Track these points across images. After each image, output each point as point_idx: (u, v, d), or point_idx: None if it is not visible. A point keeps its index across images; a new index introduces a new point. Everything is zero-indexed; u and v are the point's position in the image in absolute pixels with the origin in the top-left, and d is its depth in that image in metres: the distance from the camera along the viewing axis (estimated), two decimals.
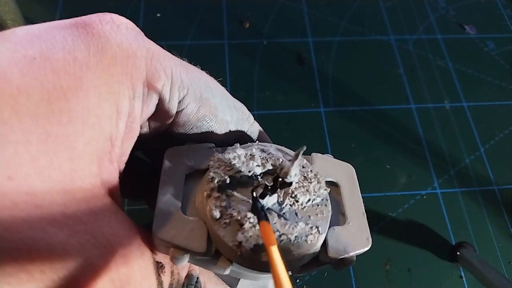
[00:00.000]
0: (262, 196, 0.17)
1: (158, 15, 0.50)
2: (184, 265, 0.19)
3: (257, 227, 0.16)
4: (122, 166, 0.18)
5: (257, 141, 0.21)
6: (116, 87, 0.16)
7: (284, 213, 0.18)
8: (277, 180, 0.17)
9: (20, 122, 0.13)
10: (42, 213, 0.13)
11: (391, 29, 0.52)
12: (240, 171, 0.18)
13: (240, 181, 0.18)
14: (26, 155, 0.13)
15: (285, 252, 0.16)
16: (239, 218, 0.17)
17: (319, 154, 0.21)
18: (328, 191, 0.19)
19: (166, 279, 0.18)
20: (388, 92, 0.47)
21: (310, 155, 0.21)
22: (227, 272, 0.18)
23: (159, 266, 0.18)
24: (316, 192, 0.18)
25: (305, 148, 0.15)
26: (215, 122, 0.20)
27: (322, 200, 0.18)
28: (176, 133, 0.20)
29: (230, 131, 0.21)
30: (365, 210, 0.19)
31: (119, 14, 0.18)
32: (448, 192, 0.41)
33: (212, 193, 0.17)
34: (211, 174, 0.18)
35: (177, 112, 0.19)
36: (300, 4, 0.53)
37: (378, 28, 0.52)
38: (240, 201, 0.18)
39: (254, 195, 0.17)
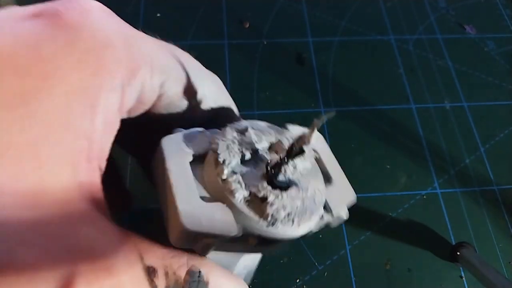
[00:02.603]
0: (276, 169, 0.18)
1: (158, 15, 0.50)
2: (182, 263, 0.19)
3: (280, 196, 0.17)
4: (103, 163, 0.17)
5: (249, 120, 0.22)
6: (90, 81, 0.15)
7: (293, 182, 0.18)
8: (291, 150, 0.17)
9: None
10: (8, 231, 0.12)
11: (391, 29, 0.52)
12: (247, 150, 0.19)
13: (249, 160, 0.19)
14: None
15: (302, 216, 0.17)
16: (260, 193, 0.17)
17: (296, 125, 0.21)
18: (315, 156, 0.20)
19: (160, 282, 0.17)
20: (388, 92, 0.47)
21: (286, 127, 0.21)
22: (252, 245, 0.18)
23: (150, 271, 0.17)
24: (309, 157, 0.19)
25: (325, 118, 0.16)
26: (195, 99, 0.20)
27: (313, 164, 0.19)
28: (158, 115, 0.20)
29: (210, 106, 0.21)
30: (365, 210, 0.19)
31: (119, 15, 0.17)
32: (448, 192, 0.41)
33: (228, 175, 0.18)
34: (221, 157, 0.18)
35: (158, 95, 0.18)
36: (300, 4, 0.52)
37: (378, 28, 0.52)
38: (254, 178, 0.18)
39: (269, 169, 0.18)
